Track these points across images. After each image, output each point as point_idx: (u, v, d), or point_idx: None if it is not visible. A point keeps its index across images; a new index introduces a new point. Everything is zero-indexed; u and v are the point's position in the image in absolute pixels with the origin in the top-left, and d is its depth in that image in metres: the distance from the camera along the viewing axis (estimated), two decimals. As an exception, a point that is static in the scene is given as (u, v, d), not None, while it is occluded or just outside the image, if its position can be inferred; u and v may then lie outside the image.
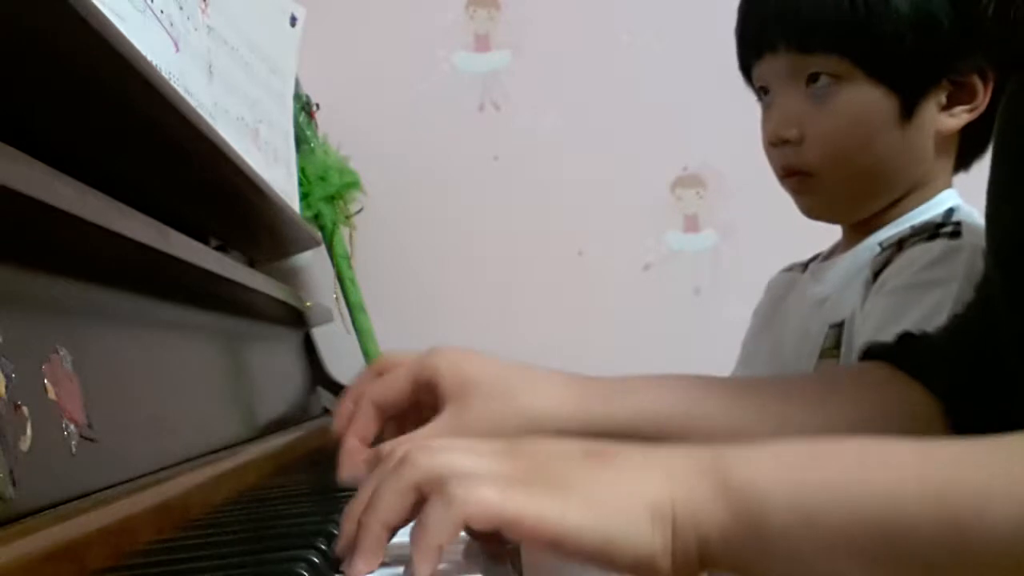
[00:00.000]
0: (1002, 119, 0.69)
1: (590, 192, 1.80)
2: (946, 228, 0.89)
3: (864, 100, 0.90)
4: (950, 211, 0.92)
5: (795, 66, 0.92)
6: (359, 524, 0.50)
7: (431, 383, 0.69)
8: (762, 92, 0.97)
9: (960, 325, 0.74)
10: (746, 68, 0.98)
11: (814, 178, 0.94)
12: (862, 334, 0.86)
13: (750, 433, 0.64)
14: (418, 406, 0.71)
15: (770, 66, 0.94)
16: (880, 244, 0.93)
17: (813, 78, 0.91)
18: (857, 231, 0.98)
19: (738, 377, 0.85)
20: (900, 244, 0.90)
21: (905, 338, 0.75)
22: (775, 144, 0.95)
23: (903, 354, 0.74)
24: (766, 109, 0.97)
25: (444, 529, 0.46)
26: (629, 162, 1.80)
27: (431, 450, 0.51)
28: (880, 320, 0.85)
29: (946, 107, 0.91)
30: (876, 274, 0.89)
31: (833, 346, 0.91)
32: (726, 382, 0.76)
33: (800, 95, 0.93)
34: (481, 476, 0.48)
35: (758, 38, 0.95)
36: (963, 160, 0.96)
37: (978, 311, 0.72)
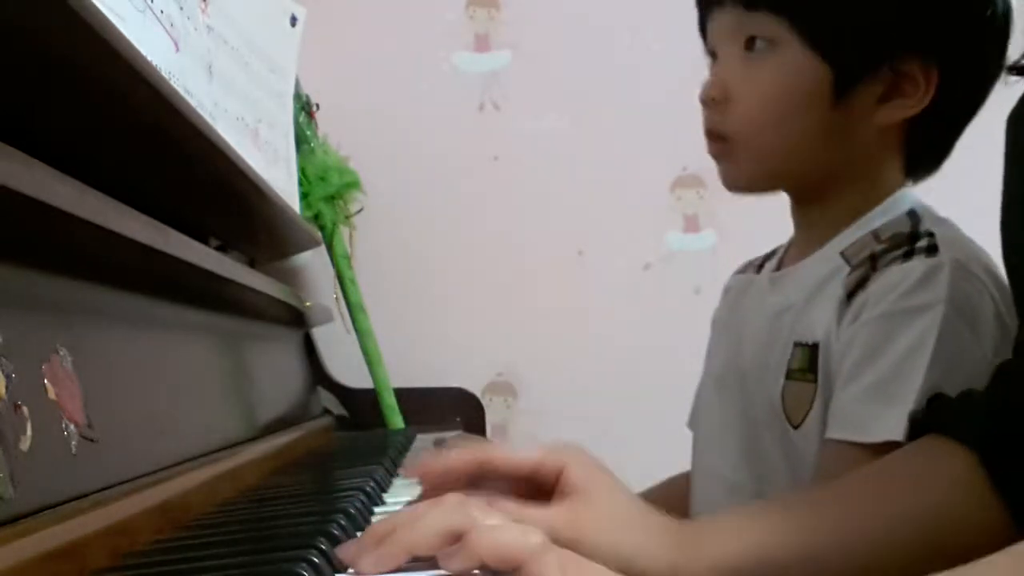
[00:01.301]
0: (1014, 130, 0.67)
1: (590, 192, 1.80)
2: (920, 243, 0.85)
3: (797, 69, 0.87)
4: (914, 216, 0.88)
5: (737, 24, 0.90)
6: (391, 531, 0.52)
7: (560, 470, 0.67)
8: (712, 56, 0.95)
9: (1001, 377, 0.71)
10: (703, 29, 0.96)
11: (730, 143, 0.91)
12: (845, 364, 0.83)
13: (823, 551, 0.66)
14: (522, 483, 0.69)
15: (717, 24, 0.93)
16: (843, 254, 0.88)
17: (751, 43, 0.89)
18: (810, 236, 0.94)
19: (796, 497, 0.81)
20: (873, 260, 0.85)
21: (938, 399, 0.74)
22: (704, 104, 0.93)
23: (940, 417, 0.72)
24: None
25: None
26: (629, 162, 1.80)
27: (492, 526, 0.52)
28: (865, 350, 0.82)
29: (883, 99, 0.87)
30: (850, 294, 0.85)
31: (804, 367, 0.87)
32: (796, 506, 0.73)
33: (737, 58, 0.90)
34: None
35: None
36: (912, 167, 0.92)
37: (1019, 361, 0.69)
